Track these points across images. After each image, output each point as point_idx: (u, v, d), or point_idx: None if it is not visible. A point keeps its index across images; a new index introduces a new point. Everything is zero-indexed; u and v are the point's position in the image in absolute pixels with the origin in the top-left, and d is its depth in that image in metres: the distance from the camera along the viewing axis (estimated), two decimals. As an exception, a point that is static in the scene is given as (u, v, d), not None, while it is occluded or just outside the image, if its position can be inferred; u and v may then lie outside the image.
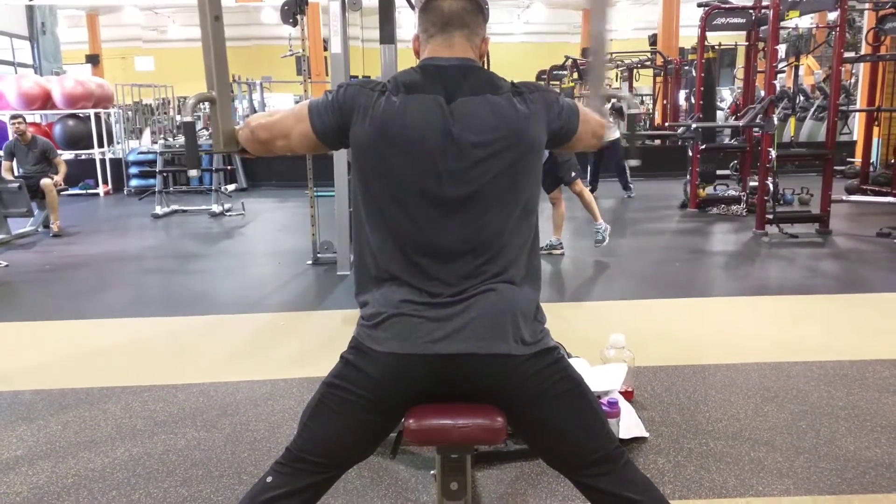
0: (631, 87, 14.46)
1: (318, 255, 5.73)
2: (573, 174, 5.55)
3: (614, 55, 14.06)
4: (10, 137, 7.54)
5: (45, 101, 10.40)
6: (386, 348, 1.43)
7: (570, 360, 2.47)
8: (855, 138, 11.15)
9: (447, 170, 1.44)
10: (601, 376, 2.71)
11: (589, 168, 9.31)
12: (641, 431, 2.60)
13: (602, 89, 1.90)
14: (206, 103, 1.73)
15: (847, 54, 8.27)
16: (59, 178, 7.46)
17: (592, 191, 9.29)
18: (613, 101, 8.52)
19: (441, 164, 1.44)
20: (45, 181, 7.21)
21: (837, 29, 6.57)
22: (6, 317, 4.48)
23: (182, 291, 5.11)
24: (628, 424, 2.57)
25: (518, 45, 22.82)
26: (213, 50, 1.70)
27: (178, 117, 18.59)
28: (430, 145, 1.44)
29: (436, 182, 1.44)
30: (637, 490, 1.48)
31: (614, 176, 9.39)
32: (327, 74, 12.26)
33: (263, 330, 4.09)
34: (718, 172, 8.32)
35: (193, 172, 1.92)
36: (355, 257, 1.58)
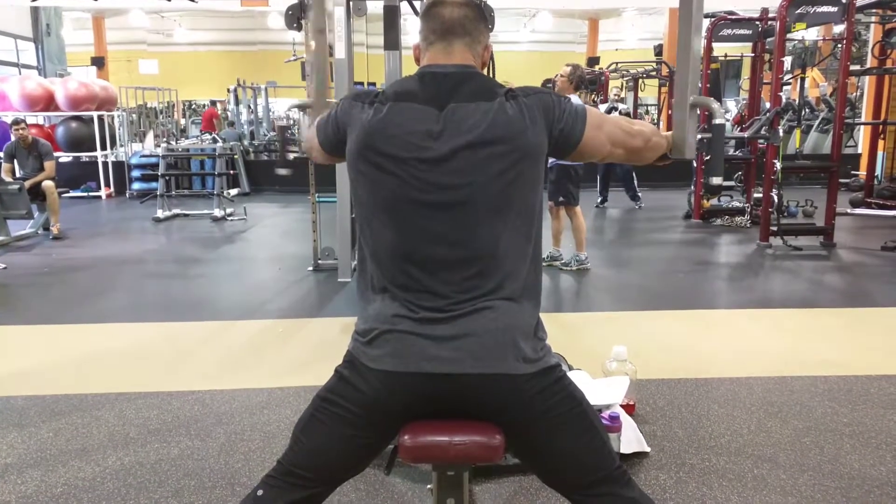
0: (636, 98, 14.45)
1: (319, 262, 5.70)
2: (560, 198, 5.39)
3: (619, 65, 14.05)
4: (12, 139, 7.53)
5: (49, 102, 10.39)
6: (380, 366, 1.39)
7: (571, 373, 2.43)
8: (860, 151, 11.11)
9: (433, 178, 1.41)
10: (603, 389, 2.67)
11: (598, 178, 9.18)
12: (643, 446, 2.55)
13: (687, 98, 1.75)
14: (301, 110, 1.83)
15: (852, 67, 8.23)
16: (40, 176, 7.26)
17: (603, 202, 9.17)
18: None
19: (426, 172, 1.41)
20: (46, 183, 7.19)
21: (844, 42, 6.54)
22: (2, 320, 4.44)
23: (181, 296, 5.07)
24: (629, 439, 2.52)
25: (524, 53, 22.80)
26: (317, 60, 1.77)
27: (182, 121, 18.63)
28: (413, 153, 1.41)
29: (422, 190, 1.41)
30: (638, 510, 1.44)
31: (620, 186, 9.31)
32: (331, 80, 12.28)
33: (262, 337, 4.05)
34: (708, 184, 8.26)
35: (283, 171, 2.08)
36: (357, 268, 1.56)
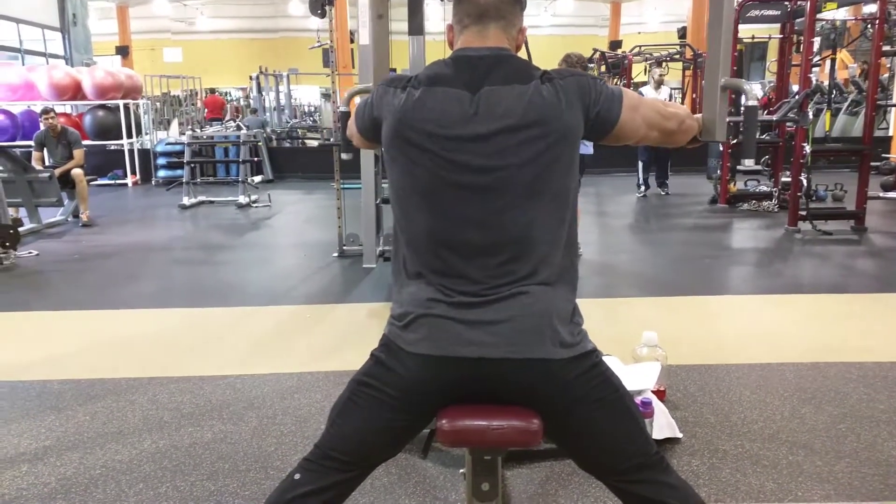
0: (659, 81, 14.25)
1: (344, 248, 5.72)
2: None
3: (642, 48, 13.88)
4: (42, 128, 7.63)
5: (76, 91, 10.51)
6: (416, 349, 1.39)
7: (603, 359, 2.42)
8: (891, 133, 10.88)
9: (468, 161, 1.40)
10: (634, 375, 2.65)
11: (640, 164, 8.90)
12: (675, 432, 2.54)
13: (718, 79, 1.73)
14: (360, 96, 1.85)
15: (884, 48, 8.03)
16: (69, 164, 7.35)
17: (647, 189, 8.86)
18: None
19: (461, 155, 1.40)
20: (75, 171, 7.28)
21: (876, 22, 6.39)
22: (35, 306, 4.52)
23: (208, 282, 5.12)
24: (661, 424, 2.51)
25: (546, 37, 22.57)
26: (376, 46, 1.77)
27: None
28: (447, 137, 1.40)
29: (456, 174, 1.40)
30: (677, 496, 1.42)
31: (651, 170, 9.12)
32: (354, 67, 12.26)
33: (289, 322, 4.08)
34: (740, 168, 8.06)
35: (346, 156, 2.10)
36: (392, 254, 1.57)
